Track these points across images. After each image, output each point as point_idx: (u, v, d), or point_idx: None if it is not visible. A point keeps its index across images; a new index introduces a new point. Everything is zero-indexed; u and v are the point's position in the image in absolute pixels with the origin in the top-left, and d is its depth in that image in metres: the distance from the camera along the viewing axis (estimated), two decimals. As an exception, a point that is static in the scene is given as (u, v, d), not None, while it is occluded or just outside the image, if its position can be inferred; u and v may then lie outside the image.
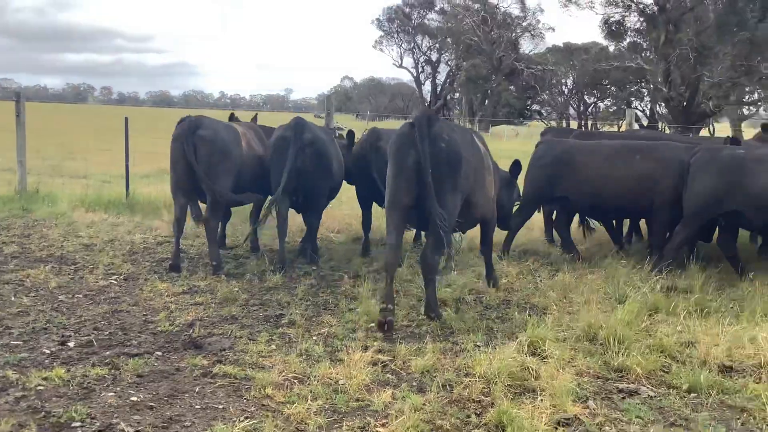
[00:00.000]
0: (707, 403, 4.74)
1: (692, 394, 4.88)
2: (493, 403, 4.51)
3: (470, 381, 4.86)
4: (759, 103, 35.58)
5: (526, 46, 53.65)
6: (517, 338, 5.72)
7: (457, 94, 61.80)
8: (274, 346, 5.55)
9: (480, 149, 6.93)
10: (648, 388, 4.97)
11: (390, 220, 6.35)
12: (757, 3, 21.38)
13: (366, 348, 5.50)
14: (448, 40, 56.94)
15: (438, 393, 4.69)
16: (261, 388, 4.68)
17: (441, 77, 63.99)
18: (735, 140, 9.92)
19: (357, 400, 4.57)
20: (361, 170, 8.90)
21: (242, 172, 8.17)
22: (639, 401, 4.73)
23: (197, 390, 4.71)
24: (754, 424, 4.44)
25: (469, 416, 4.39)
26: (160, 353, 5.37)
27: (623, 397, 4.80)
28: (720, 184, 7.91)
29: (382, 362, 5.24)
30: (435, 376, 4.99)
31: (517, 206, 9.14)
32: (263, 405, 4.48)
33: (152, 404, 4.45)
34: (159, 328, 5.94)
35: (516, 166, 8.32)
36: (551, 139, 10.41)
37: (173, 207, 8.17)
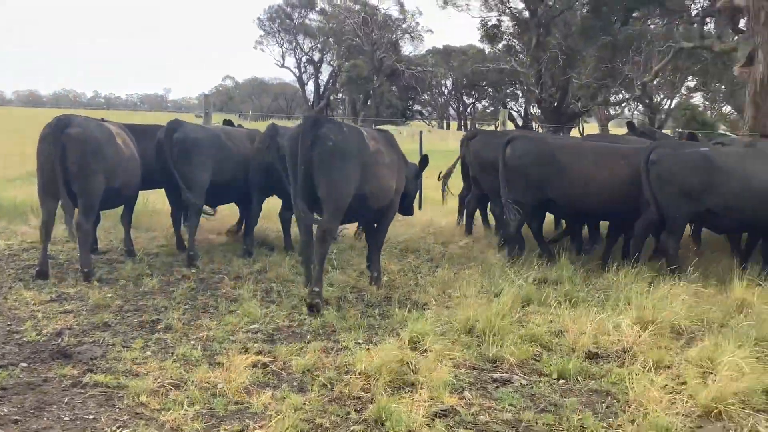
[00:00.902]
0: (575, 389, 5.00)
1: (561, 381, 5.12)
2: (372, 399, 4.56)
3: (351, 378, 4.90)
4: (623, 104, 37.80)
5: (407, 47, 54.68)
6: (397, 334, 5.82)
7: (340, 94, 61.98)
8: (149, 353, 5.38)
9: (369, 147, 7.16)
10: (520, 376, 5.19)
11: (295, 211, 6.92)
12: (620, 9, 22.70)
13: (246, 350, 5.44)
14: (330, 40, 57.06)
15: (318, 392, 4.69)
16: (135, 396, 4.53)
17: (324, 77, 63.99)
18: (692, 136, 10.41)
19: (236, 403, 4.51)
20: (259, 165, 8.88)
21: (117, 172, 7.88)
22: (512, 389, 4.93)
23: (66, 401, 4.49)
24: (618, 407, 4.71)
25: (348, 413, 4.42)
26: (25, 364, 5.08)
27: (497, 386, 4.98)
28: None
29: (262, 364, 5.19)
30: (316, 376, 4.99)
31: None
32: (137, 413, 4.34)
33: (17, 418, 4.22)
34: (25, 338, 5.62)
35: (425, 160, 8.72)
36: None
37: (41, 210, 7.75)
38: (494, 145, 9.68)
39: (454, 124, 57.40)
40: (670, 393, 4.82)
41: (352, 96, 54.79)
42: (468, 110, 56.95)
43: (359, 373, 4.97)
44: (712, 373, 5.07)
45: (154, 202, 11.26)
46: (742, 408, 4.72)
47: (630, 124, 11.43)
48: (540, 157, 8.79)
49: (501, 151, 8.95)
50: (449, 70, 50.52)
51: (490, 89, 48.39)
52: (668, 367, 5.35)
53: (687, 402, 4.71)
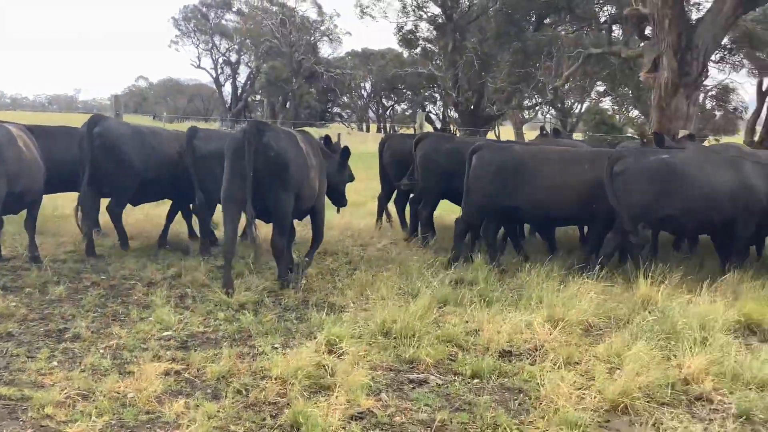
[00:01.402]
0: (489, 387, 5.10)
1: (476, 380, 5.21)
2: (289, 404, 4.53)
3: (267, 384, 4.84)
4: (536, 108, 38.84)
5: (325, 49, 54.56)
6: (315, 337, 5.79)
7: (259, 96, 61.28)
8: (55, 363, 5.18)
9: (303, 150, 7.59)
10: (436, 376, 5.25)
11: (226, 213, 7.32)
12: (533, 15, 23.36)
13: (158, 358, 5.31)
14: (248, 41, 56.36)
15: (233, 398, 4.62)
16: (40, 407, 4.34)
17: (241, 79, 63.13)
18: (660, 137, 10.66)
19: (147, 412, 4.39)
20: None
21: (18, 176, 7.57)
22: (428, 390, 4.99)
23: (-35, 416, 4.28)
24: (530, 403, 4.83)
25: (264, 419, 4.37)
26: None
27: (413, 387, 5.03)
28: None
29: (175, 371, 5.08)
30: (231, 382, 4.91)
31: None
32: (42, 426, 4.17)
33: None
34: None
35: (346, 150, 9.27)
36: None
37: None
38: (410, 147, 9.94)
39: (373, 127, 57.62)
40: (580, 389, 4.97)
41: (270, 98, 54.24)
42: (387, 113, 57.30)
43: (275, 378, 4.92)
44: (618, 369, 5.26)
45: (63, 206, 10.86)
46: (648, 402, 4.92)
47: (543, 129, 11.74)
48: (507, 164, 8.93)
49: (467, 159, 9.10)
50: (368, 73, 50.74)
51: (408, 92, 48.84)
52: (578, 363, 5.52)
53: (595, 397, 4.86)
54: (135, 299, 6.95)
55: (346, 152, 9.33)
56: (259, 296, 7.17)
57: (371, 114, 59.62)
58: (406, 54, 43.69)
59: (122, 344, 5.61)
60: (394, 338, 5.92)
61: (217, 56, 63.12)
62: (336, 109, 59.11)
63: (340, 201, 9.52)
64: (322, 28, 51.99)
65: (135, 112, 65.21)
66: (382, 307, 6.46)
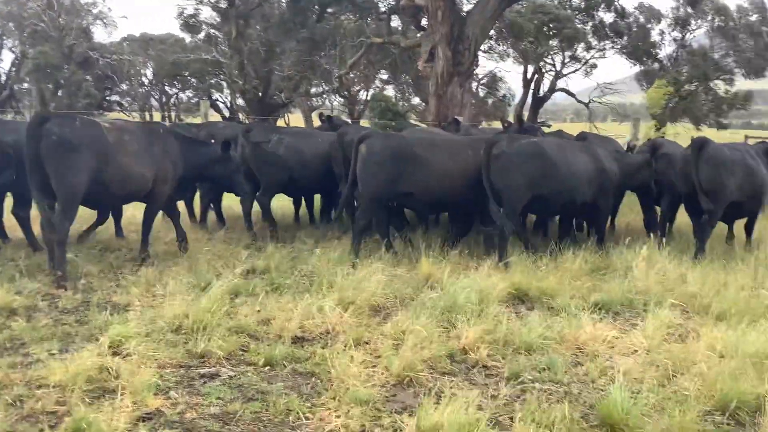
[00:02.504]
0: (282, 374, 5.15)
1: (268, 368, 5.24)
2: (69, 412, 4.26)
3: (44, 393, 4.53)
4: (324, 96, 39.33)
5: (100, 34, 51.26)
6: (97, 340, 5.49)
7: (26, 84, 56.18)
8: None
9: (108, 137, 7.66)
10: (228, 368, 5.20)
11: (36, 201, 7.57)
12: (317, 5, 23.58)
13: None
14: (10, 25, 51.44)
15: (6, 412, 4.27)
16: None
17: (5, 65, 57.46)
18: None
19: None
20: None
21: None
22: (219, 383, 4.93)
23: None
24: (322, 386, 4.95)
25: (42, 430, 4.08)
26: None
27: (204, 382, 4.95)
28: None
29: (-66, 390, 4.58)
30: (2, 394, 4.52)
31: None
32: None
33: None
34: None
35: (226, 143, 9.23)
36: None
37: None
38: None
39: (157, 115, 55.15)
40: (368, 367, 5.18)
41: (39, 85, 49.95)
42: (171, 101, 55.14)
43: (54, 386, 4.61)
44: (404, 344, 5.53)
45: None
46: (431, 373, 5.24)
47: (321, 115, 11.95)
48: (398, 152, 8.88)
49: (354, 147, 8.96)
50: (149, 59, 48.42)
51: (193, 80, 47.24)
52: (367, 343, 5.74)
53: (383, 373, 5.10)
54: None
55: (225, 145, 9.27)
56: (32, 300, 6.64)
57: (154, 102, 57.03)
58: (188, 39, 42.25)
59: None
60: (185, 333, 5.77)
61: (-26, 40, 56.98)
62: (115, 97, 55.77)
63: (236, 188, 10.05)
64: (95, 11, 48.73)
65: None
66: (171, 303, 6.27)
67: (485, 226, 9.41)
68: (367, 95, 39.04)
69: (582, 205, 9.36)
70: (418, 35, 17.76)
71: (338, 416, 4.42)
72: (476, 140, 9.66)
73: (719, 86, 34.00)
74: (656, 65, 34.52)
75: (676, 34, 34.18)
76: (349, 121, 13.41)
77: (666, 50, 34.69)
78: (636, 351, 5.81)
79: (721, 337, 5.82)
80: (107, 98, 53.75)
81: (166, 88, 53.55)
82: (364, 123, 25.02)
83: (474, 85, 34.04)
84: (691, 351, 5.59)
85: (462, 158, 9.09)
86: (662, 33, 34.57)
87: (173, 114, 52.85)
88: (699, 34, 34.93)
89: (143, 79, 52.28)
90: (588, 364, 5.50)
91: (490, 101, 40.44)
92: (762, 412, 4.65)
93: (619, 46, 34.06)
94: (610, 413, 4.46)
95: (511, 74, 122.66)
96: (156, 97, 51.86)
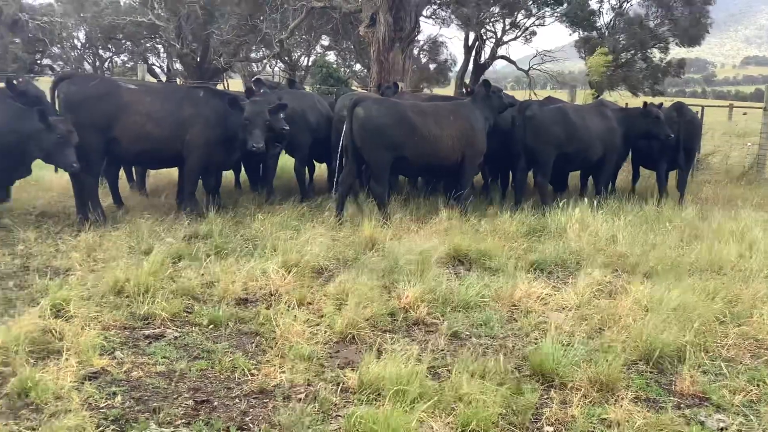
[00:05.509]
0: (226, 334, 5.24)
1: (212, 328, 5.32)
2: (14, 372, 4.27)
3: (-14, 355, 4.52)
4: (264, 61, 38.83)
5: (29, -6, 49.03)
6: (38, 303, 5.47)
7: (-49, 46, 53.72)
8: None
9: None
10: (173, 329, 5.27)
11: None
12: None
13: None
14: (-68, -18, 48.93)
15: (-52, 374, 4.26)
16: None
17: (-75, 26, 54.78)
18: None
19: None
20: None
21: None
22: (165, 343, 4.99)
23: None
24: (266, 344, 5.06)
25: (-14, 390, 4.11)
26: None
27: (150, 342, 5.01)
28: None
29: None
30: (-59, 359, 4.50)
31: None
32: None
33: None
34: None
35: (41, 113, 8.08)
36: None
37: None
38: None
39: (91, 80, 53.47)
40: (312, 326, 5.32)
41: (-34, 48, 47.82)
42: (106, 65, 53.58)
43: (-4, 349, 4.60)
44: (346, 304, 5.68)
45: None
46: (372, 330, 5.41)
47: (257, 81, 11.80)
48: (395, 118, 9.07)
49: (348, 112, 9.06)
50: (82, 21, 46.84)
51: (128, 43, 45.97)
52: (310, 304, 5.87)
53: (326, 332, 5.25)
54: None
55: (41, 114, 8.07)
56: (-33, 267, 6.54)
57: (87, 66, 55.35)
58: (123, 1, 41.06)
59: None
60: (127, 297, 5.80)
61: None
62: (47, 61, 53.84)
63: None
64: (25, -30, 46.78)
65: None
66: (112, 267, 6.26)
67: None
68: (308, 61, 38.70)
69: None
70: (360, 0, 17.66)
71: (283, 372, 4.55)
72: (459, 104, 10.12)
73: (655, 54, 34.88)
74: (594, 33, 35.15)
75: (614, 2, 34.85)
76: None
77: (604, 18, 35.34)
78: (567, 307, 6.09)
79: (647, 293, 6.15)
80: (38, 62, 51.86)
81: (100, 51, 51.90)
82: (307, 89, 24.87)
83: (416, 51, 34.09)
84: (618, 306, 5.90)
85: (446, 124, 9.46)
86: (601, 1, 35.26)
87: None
88: (636, 3, 35.68)
89: (76, 41, 50.59)
90: (522, 320, 5.75)
91: (432, 67, 40.57)
92: (682, 360, 4.98)
93: (558, 14, 34.52)
94: (542, 363, 4.70)
95: (453, 41, 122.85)
96: (89, 60, 50.22)
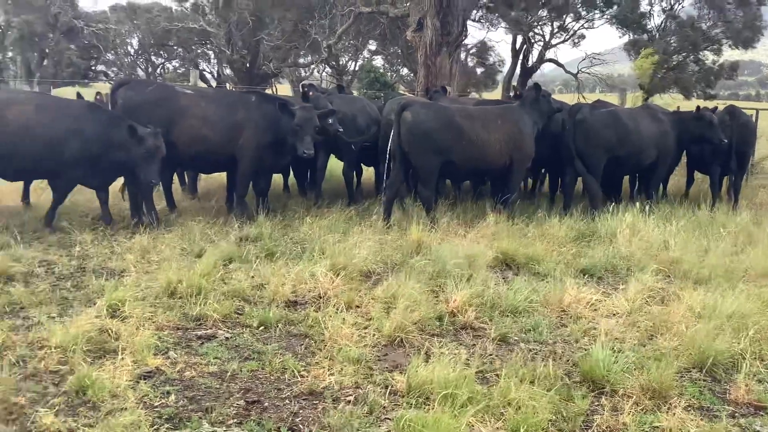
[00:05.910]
0: (276, 336, 5.31)
1: (263, 329, 5.40)
2: (72, 371, 4.41)
3: (46, 353, 4.67)
4: (312, 66, 39.20)
5: (85, 2, 50.52)
6: (94, 304, 5.62)
7: (11, 53, 55.49)
8: None
9: None
10: (224, 330, 5.36)
11: None
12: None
13: None
14: (-7, -8, 50.64)
15: (10, 371, 4.41)
16: None
17: (-12, 34, 56.66)
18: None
19: None
20: None
21: None
22: (216, 344, 5.09)
23: None
24: (315, 346, 5.12)
25: (46, 388, 4.24)
26: None
27: (202, 343, 5.11)
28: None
29: (-62, 351, 4.71)
30: (5, 355, 4.66)
31: None
32: None
33: None
34: None
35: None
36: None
37: None
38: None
39: (145, 85, 54.58)
40: (360, 329, 5.35)
41: (25, 55, 49.40)
42: (158, 71, 54.71)
43: (55, 347, 4.74)
44: (394, 307, 5.70)
45: None
46: (420, 334, 5.42)
47: (311, 86, 11.91)
48: (443, 122, 9.13)
49: (396, 117, 9.14)
50: (135, 28, 47.92)
51: (179, 49, 46.87)
52: (358, 307, 5.91)
53: (374, 335, 5.28)
54: None
55: None
56: (28, 267, 6.75)
57: (140, 72, 56.60)
58: (175, 8, 41.89)
59: None
60: (180, 298, 5.92)
61: (-45, 8, 56.05)
62: (101, 67, 55.21)
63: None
64: (81, -22, 48.14)
65: None
66: (165, 269, 6.40)
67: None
68: (355, 66, 38.92)
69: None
70: (407, 5, 17.70)
71: (332, 374, 4.59)
72: (506, 108, 10.08)
73: (707, 57, 34.12)
74: (645, 36, 34.56)
75: (665, 4, 34.20)
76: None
77: (655, 21, 34.72)
78: (618, 313, 6.01)
79: (701, 300, 6.03)
80: (93, 68, 53.21)
81: (152, 57, 53.01)
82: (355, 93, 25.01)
83: (463, 55, 33.99)
84: (671, 313, 5.79)
85: (494, 128, 9.45)
86: (651, 3, 34.63)
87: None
88: (687, 4, 34.95)
89: (129, 48, 51.75)
90: (572, 326, 5.70)
91: (479, 71, 40.39)
92: (737, 368, 4.88)
93: (608, 17, 34.05)
94: (592, 370, 4.66)
95: (501, 45, 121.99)
96: (142, 66, 51.34)
